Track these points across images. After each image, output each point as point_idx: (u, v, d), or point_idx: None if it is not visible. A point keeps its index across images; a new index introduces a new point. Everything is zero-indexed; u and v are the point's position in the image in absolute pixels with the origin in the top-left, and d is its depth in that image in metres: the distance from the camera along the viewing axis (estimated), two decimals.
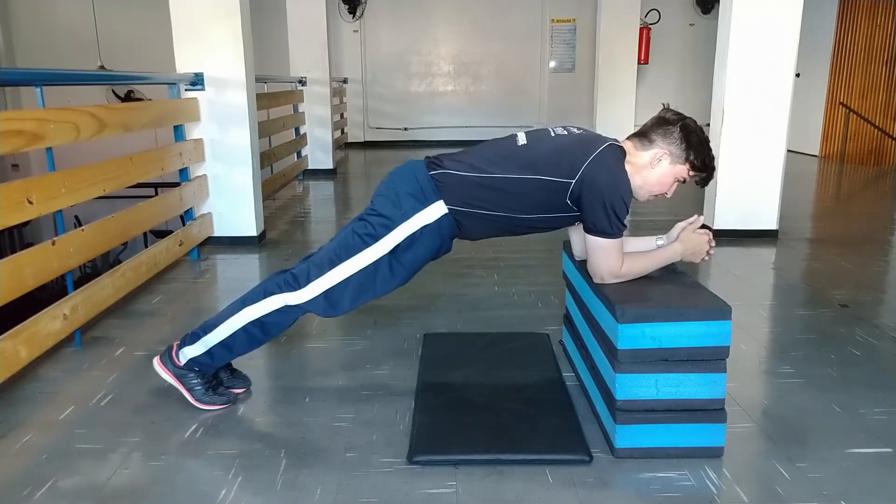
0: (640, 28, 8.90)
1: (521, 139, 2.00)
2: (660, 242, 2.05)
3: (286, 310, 2.01)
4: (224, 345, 2.05)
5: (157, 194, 4.01)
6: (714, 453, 1.83)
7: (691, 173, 1.95)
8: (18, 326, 2.24)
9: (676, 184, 1.98)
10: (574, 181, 1.86)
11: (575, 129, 2.01)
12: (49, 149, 2.49)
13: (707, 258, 2.03)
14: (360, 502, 1.67)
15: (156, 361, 2.13)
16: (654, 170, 1.94)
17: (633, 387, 1.78)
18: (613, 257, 1.90)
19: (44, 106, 2.48)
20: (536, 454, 1.83)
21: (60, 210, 2.54)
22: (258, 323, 2.02)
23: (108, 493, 1.71)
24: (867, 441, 1.94)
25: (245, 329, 2.03)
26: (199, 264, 3.85)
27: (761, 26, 4.06)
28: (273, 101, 6.14)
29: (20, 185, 2.30)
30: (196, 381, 2.09)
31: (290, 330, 2.19)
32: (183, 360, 2.08)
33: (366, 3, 10.26)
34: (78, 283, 2.67)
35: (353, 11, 10.24)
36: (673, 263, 2.03)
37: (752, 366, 2.48)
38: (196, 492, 1.71)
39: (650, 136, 1.95)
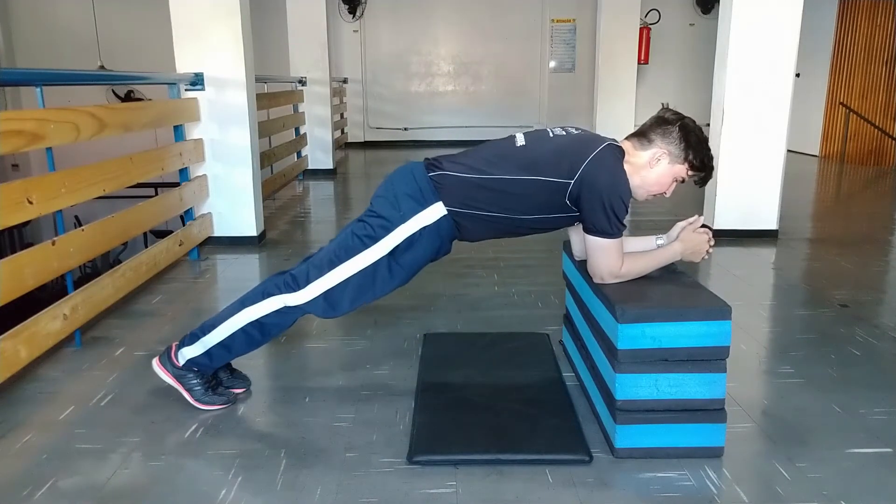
0: (640, 28, 8.90)
1: (520, 140, 2.00)
2: (660, 242, 2.05)
3: (285, 311, 2.01)
4: (223, 345, 2.05)
5: (157, 194, 4.01)
6: (714, 453, 1.83)
7: (690, 173, 1.95)
8: (18, 326, 2.24)
9: (675, 183, 1.98)
10: (573, 181, 1.86)
11: (573, 130, 2.02)
12: (49, 149, 2.49)
13: (707, 257, 2.03)
14: (360, 502, 1.67)
15: (155, 362, 2.13)
16: (652, 169, 1.94)
17: (633, 387, 1.78)
18: (613, 257, 1.90)
19: (44, 106, 2.48)
20: (536, 454, 1.83)
21: (60, 210, 2.54)
22: (257, 324, 2.02)
23: (108, 493, 1.71)
24: (867, 441, 1.94)
25: (244, 330, 2.03)
26: (199, 264, 3.85)
27: (761, 26, 4.06)
28: (273, 101, 6.14)
29: (20, 185, 2.30)
30: (195, 381, 2.09)
31: (290, 330, 2.19)
32: (182, 361, 2.08)
33: (366, 3, 10.26)
34: (78, 283, 2.67)
35: (353, 11, 10.24)
36: (673, 263, 2.04)
37: (752, 366, 2.48)
38: (196, 492, 1.71)
39: (649, 135, 1.95)
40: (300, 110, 7.14)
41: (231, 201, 4.17)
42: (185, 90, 3.94)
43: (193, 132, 4.01)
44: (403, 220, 1.92)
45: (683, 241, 1.99)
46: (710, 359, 1.77)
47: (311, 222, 5.32)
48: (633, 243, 2.07)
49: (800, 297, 3.32)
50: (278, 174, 6.02)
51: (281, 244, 4.34)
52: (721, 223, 4.26)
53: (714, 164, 1.98)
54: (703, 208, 4.42)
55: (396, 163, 2.07)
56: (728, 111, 4.17)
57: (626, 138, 2.02)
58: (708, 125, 4.25)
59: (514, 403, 2.09)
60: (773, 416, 2.10)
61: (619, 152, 1.93)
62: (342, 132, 9.65)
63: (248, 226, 4.22)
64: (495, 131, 8.98)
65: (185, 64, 3.96)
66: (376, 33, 10.39)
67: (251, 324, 2.02)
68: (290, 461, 1.84)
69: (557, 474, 1.76)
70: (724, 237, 4.13)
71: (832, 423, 2.04)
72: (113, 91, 9.00)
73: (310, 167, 7.34)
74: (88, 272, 6.41)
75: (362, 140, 10.55)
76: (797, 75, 4.21)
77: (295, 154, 6.89)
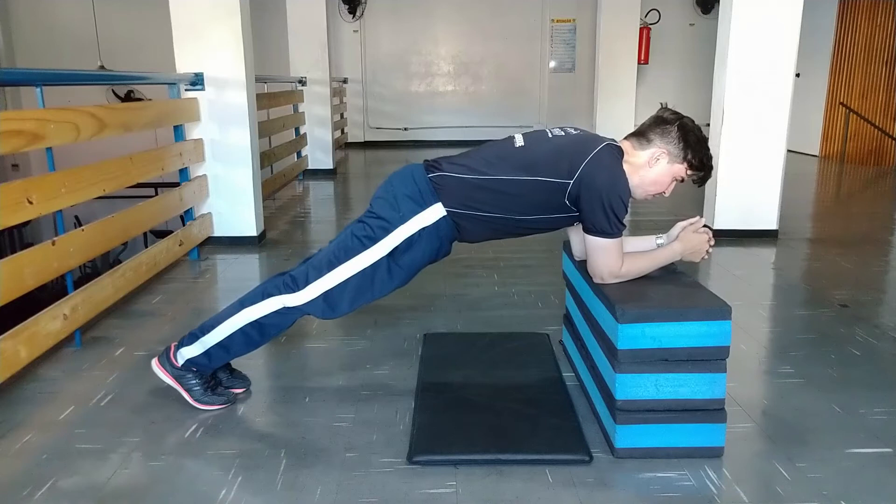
0: (640, 28, 8.91)
1: (519, 141, 2.00)
2: (659, 241, 2.05)
3: (285, 311, 2.01)
4: (222, 346, 2.05)
5: (157, 194, 4.01)
6: (714, 453, 1.83)
7: (689, 172, 1.95)
8: (18, 326, 2.24)
9: (675, 183, 1.98)
10: (572, 181, 1.86)
11: (572, 130, 2.02)
12: (49, 149, 2.49)
13: (707, 257, 2.03)
14: (360, 502, 1.67)
15: (154, 363, 2.13)
16: (651, 169, 1.94)
17: (633, 387, 1.78)
18: (613, 257, 1.90)
19: (44, 106, 2.48)
20: (536, 454, 1.83)
21: (60, 210, 2.54)
22: (256, 324, 2.02)
23: (108, 493, 1.71)
24: (867, 441, 1.94)
25: (243, 330, 2.03)
26: (199, 264, 3.85)
27: (761, 26, 4.06)
28: (273, 101, 6.14)
29: (20, 185, 2.30)
30: (194, 381, 2.10)
31: (290, 330, 2.19)
32: (181, 361, 2.08)
33: (366, 3, 10.26)
34: (78, 283, 2.67)
35: (353, 11, 10.25)
36: (673, 263, 2.04)
37: (752, 366, 2.48)
38: (196, 492, 1.71)
39: (648, 135, 1.95)
40: (300, 110, 7.14)
41: (231, 201, 4.17)
42: (185, 90, 3.94)
43: (193, 132, 4.01)
44: (403, 221, 1.92)
45: (683, 241, 1.99)
46: (710, 359, 1.77)
47: (311, 222, 5.32)
48: (633, 243, 2.07)
49: (800, 297, 3.32)
50: (278, 174, 6.02)
51: (281, 244, 4.34)
52: (721, 223, 4.26)
53: (713, 163, 1.98)
54: (703, 208, 4.43)
55: (396, 163, 2.08)
56: (728, 111, 4.17)
57: (625, 138, 2.02)
58: (708, 125, 4.25)
59: (514, 403, 2.09)
60: (773, 416, 2.10)
61: (617, 152, 1.93)
62: (342, 132, 9.65)
63: (248, 226, 4.22)
64: (495, 131, 8.99)
65: (185, 64, 3.96)
66: (376, 33, 10.39)
67: (250, 324, 2.02)
68: (290, 461, 1.84)
69: (557, 474, 1.76)
70: (724, 237, 4.13)
71: (832, 423, 2.04)
72: (113, 91, 9.00)
73: (310, 167, 7.34)
74: (88, 272, 6.41)
75: (362, 140, 10.55)
76: (797, 75, 4.21)
77: (295, 154, 6.89)
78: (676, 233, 2.02)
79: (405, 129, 10.64)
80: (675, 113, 1.97)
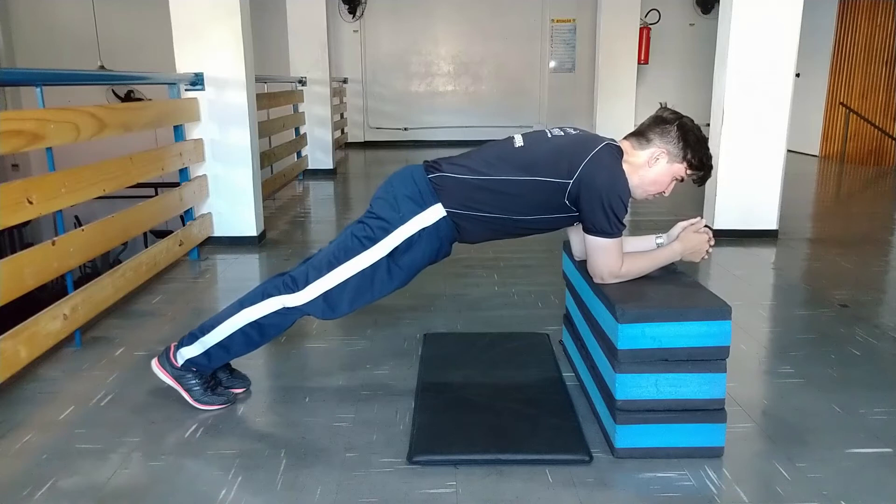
0: (640, 28, 8.91)
1: (518, 141, 2.00)
2: (659, 241, 2.05)
3: (284, 312, 2.01)
4: (221, 346, 2.05)
5: (157, 194, 4.01)
6: (714, 453, 1.83)
7: (689, 172, 1.95)
8: (18, 326, 2.24)
9: (674, 182, 1.98)
10: (572, 181, 1.86)
11: (572, 130, 2.02)
12: (49, 149, 2.49)
13: (706, 257, 2.03)
14: (360, 502, 1.67)
15: (154, 363, 2.13)
16: (651, 169, 1.94)
17: (633, 387, 1.78)
18: (613, 257, 1.90)
19: (44, 106, 2.48)
20: (536, 454, 1.83)
21: (60, 210, 2.54)
22: (256, 325, 2.02)
23: (108, 493, 1.71)
24: (867, 441, 1.94)
25: (243, 331, 2.03)
26: (199, 264, 3.85)
27: (761, 26, 4.06)
28: (273, 101, 6.14)
29: (20, 185, 2.30)
30: (194, 381, 2.10)
31: (290, 330, 2.18)
32: (180, 361, 2.08)
33: (366, 3, 10.26)
34: (78, 283, 2.67)
35: (353, 11, 10.25)
36: (673, 263, 2.04)
37: (752, 366, 2.48)
38: (196, 492, 1.71)
39: (647, 135, 1.95)
40: (300, 110, 7.14)
41: (231, 201, 4.17)
42: (185, 90, 3.94)
43: (193, 132, 4.01)
44: (402, 221, 1.92)
45: (683, 242, 1.99)
46: (710, 359, 1.77)
47: (311, 222, 5.32)
48: (633, 243, 2.07)
49: (800, 297, 3.32)
50: (278, 174, 6.02)
51: (281, 244, 4.34)
52: (721, 223, 4.26)
53: (713, 162, 1.98)
54: (703, 208, 4.43)
55: (396, 163, 2.08)
56: (728, 111, 4.17)
57: (625, 138, 2.02)
58: (708, 125, 4.25)
59: (514, 403, 2.09)
60: (773, 416, 2.10)
61: (617, 152, 1.93)
62: (342, 132, 9.65)
63: (248, 226, 4.22)
64: (495, 131, 8.99)
65: (185, 64, 3.96)
66: (376, 33, 10.39)
67: (250, 324, 2.02)
68: (290, 461, 1.84)
69: (557, 474, 1.76)
70: (724, 237, 4.13)
71: (832, 423, 2.04)
72: (113, 91, 9.00)
73: (310, 167, 7.34)
74: (88, 272, 6.41)
75: (362, 140, 10.55)
76: (797, 75, 4.21)
77: (295, 154, 6.89)
78: (677, 233, 2.03)
79: (405, 129, 10.64)
80: (675, 112, 1.97)
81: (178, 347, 2.09)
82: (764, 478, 1.77)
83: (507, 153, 1.97)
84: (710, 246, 2.02)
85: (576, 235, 2.15)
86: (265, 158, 5.42)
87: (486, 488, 1.71)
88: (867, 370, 2.42)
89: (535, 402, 2.09)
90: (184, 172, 3.88)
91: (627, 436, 1.82)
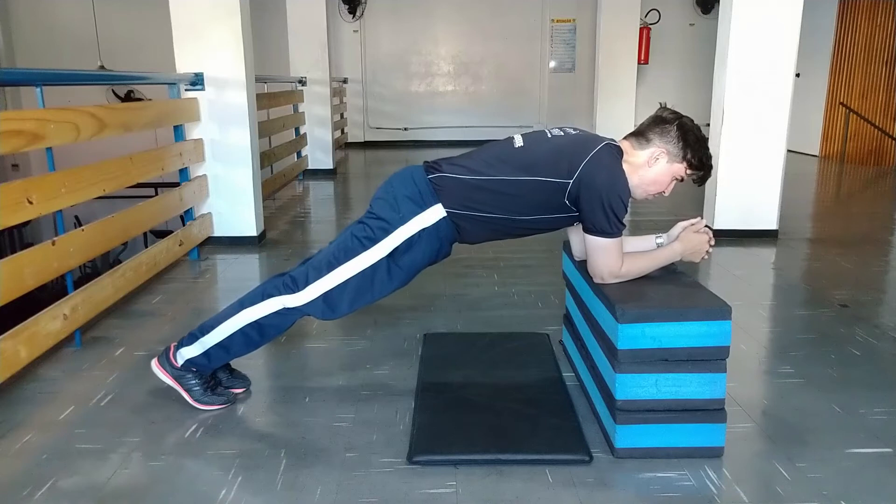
0: (640, 28, 8.90)
1: (518, 141, 2.00)
2: (659, 241, 2.05)
3: (284, 312, 2.01)
4: (221, 346, 2.05)
5: (157, 194, 4.01)
6: (714, 453, 1.83)
7: (689, 172, 1.95)
8: (18, 326, 2.24)
9: (674, 182, 1.98)
10: (572, 181, 1.86)
11: (571, 130, 2.02)
12: (49, 149, 2.49)
13: (706, 258, 2.03)
14: (360, 502, 1.67)
15: (154, 363, 2.13)
16: (651, 168, 1.94)
17: (633, 387, 1.78)
18: (613, 257, 1.90)
19: (44, 106, 2.48)
20: (536, 454, 1.83)
21: (60, 210, 2.54)
22: (256, 325, 2.02)
23: (108, 493, 1.71)
24: (867, 441, 1.94)
25: (243, 331, 2.03)
26: (199, 264, 3.85)
27: (761, 26, 4.06)
28: (273, 101, 6.14)
29: (20, 185, 2.30)
30: (194, 381, 2.10)
31: (290, 330, 2.18)
32: (180, 361, 2.08)
33: (366, 3, 10.26)
34: (78, 283, 2.67)
35: (353, 11, 10.25)
36: (673, 263, 2.04)
37: (752, 366, 2.48)
38: (196, 492, 1.71)
39: (647, 135, 1.95)
40: (300, 110, 7.14)
41: (231, 201, 4.17)
42: (185, 90, 3.94)
43: (193, 132, 4.01)
44: (403, 221, 1.92)
45: (683, 242, 1.99)
46: (710, 359, 1.77)
47: (311, 222, 5.32)
48: (633, 243, 2.07)
49: (800, 297, 3.32)
50: (278, 174, 6.02)
51: (281, 244, 4.34)
52: (721, 223, 4.26)
53: (713, 162, 1.98)
54: (703, 208, 4.43)
55: (396, 163, 2.08)
56: (728, 111, 4.17)
57: (625, 138, 2.02)
58: (708, 125, 4.25)
59: (514, 403, 2.09)
60: (773, 416, 2.10)
61: (617, 152, 1.93)
62: (342, 132, 9.65)
63: (248, 226, 4.22)
64: (495, 131, 8.99)
65: (185, 64, 3.96)
66: (376, 33, 10.39)
67: (250, 325, 2.02)
68: (290, 461, 1.84)
69: (557, 474, 1.76)
70: (724, 237, 4.13)
71: (832, 423, 2.04)
72: (113, 91, 9.00)
73: (310, 167, 7.34)
74: (88, 272, 6.41)
75: (362, 140, 10.55)
76: (797, 75, 4.21)
77: (295, 154, 6.89)
78: (677, 233, 2.03)
79: (405, 129, 10.64)
80: (675, 112, 1.97)
81: (177, 347, 2.09)
82: (764, 478, 1.77)
83: (507, 153, 1.97)
84: (711, 246, 2.02)
85: (576, 235, 2.15)
86: (265, 158, 5.42)
87: (486, 488, 1.71)
88: (867, 370, 2.42)
89: (535, 402, 2.09)
90: (184, 172, 3.88)
91: (627, 436, 1.82)
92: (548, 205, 1.92)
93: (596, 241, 1.90)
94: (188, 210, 3.91)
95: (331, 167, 7.52)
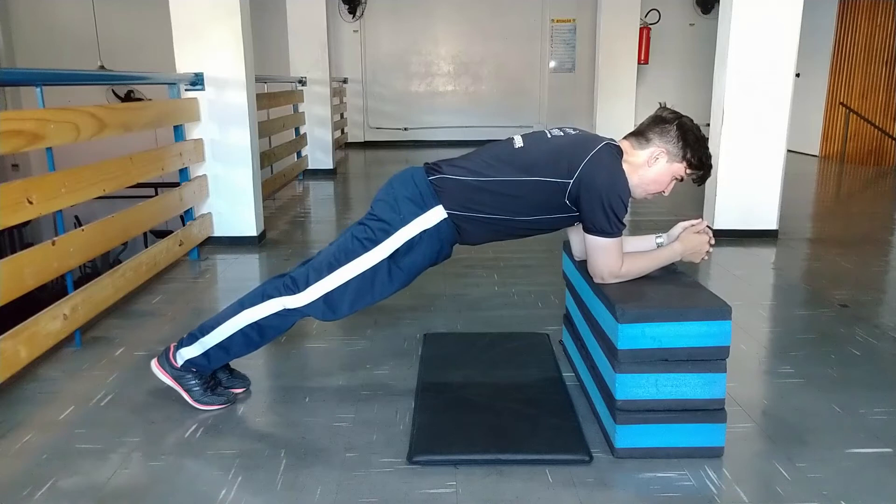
0: (640, 28, 8.90)
1: (518, 142, 2.00)
2: (659, 241, 2.05)
3: (284, 313, 2.01)
4: (221, 347, 2.05)
5: (157, 194, 4.01)
6: (714, 453, 1.83)
7: (688, 171, 1.95)
8: (18, 326, 2.24)
9: (674, 182, 1.98)
10: (572, 181, 1.87)
11: (571, 130, 2.02)
12: (49, 149, 2.49)
13: (706, 258, 2.03)
14: (360, 502, 1.67)
15: (153, 363, 2.13)
16: (651, 168, 1.94)
17: (633, 387, 1.78)
18: (613, 257, 1.90)
19: (44, 106, 2.48)
20: (536, 454, 1.83)
21: (60, 210, 2.54)
22: (256, 326, 2.02)
23: (108, 493, 1.71)
24: (867, 441, 1.94)
25: (243, 332, 2.03)
26: (199, 264, 3.85)
27: (761, 26, 4.06)
28: (273, 101, 6.14)
29: (20, 185, 2.30)
30: (194, 381, 2.10)
31: (290, 330, 2.18)
32: (180, 362, 2.08)
33: (366, 3, 10.26)
34: (78, 283, 2.67)
35: (353, 11, 10.25)
36: (673, 263, 2.04)
37: (752, 366, 2.48)
38: (196, 492, 1.71)
39: (647, 134, 1.95)
40: (300, 110, 7.14)
41: (231, 201, 4.17)
42: (185, 90, 3.94)
43: (193, 132, 4.01)
44: (403, 223, 1.92)
45: (684, 242, 1.99)
46: (710, 359, 1.77)
47: (311, 222, 5.32)
48: (633, 243, 2.07)
49: (800, 297, 3.32)
50: (278, 174, 6.02)
51: (281, 244, 4.34)
52: (721, 223, 4.26)
53: (712, 162, 1.98)
54: (703, 208, 4.43)
55: (396, 163, 2.08)
56: (728, 111, 4.17)
57: (625, 137, 2.02)
58: (708, 125, 4.25)
59: (514, 403, 2.09)
60: (773, 416, 2.10)
61: (617, 151, 1.93)
62: (342, 132, 9.65)
63: (248, 226, 4.22)
64: (495, 131, 9.00)
65: (185, 64, 3.96)
66: (376, 33, 10.39)
67: (250, 325, 2.02)
68: (290, 461, 1.84)
69: (557, 474, 1.76)
70: (724, 237, 4.13)
71: (832, 423, 2.04)
72: (113, 91, 9.00)
73: (310, 167, 7.34)
74: (88, 272, 6.41)
75: (362, 140, 10.55)
76: (797, 75, 4.21)
77: (295, 154, 6.89)
78: (677, 233, 2.03)
79: (405, 129, 10.64)
80: (674, 112, 1.97)
81: (177, 348, 2.09)
82: (764, 478, 1.77)
83: (507, 154, 1.97)
84: (711, 246, 2.02)
85: (576, 235, 2.15)
86: (265, 158, 5.42)
87: (486, 488, 1.71)
88: (867, 370, 2.42)
89: (535, 402, 2.09)
90: (184, 172, 3.88)
91: (627, 436, 1.82)
92: (548, 205, 1.92)
93: (596, 241, 1.90)
94: (188, 210, 3.91)
95: (331, 167, 7.52)
